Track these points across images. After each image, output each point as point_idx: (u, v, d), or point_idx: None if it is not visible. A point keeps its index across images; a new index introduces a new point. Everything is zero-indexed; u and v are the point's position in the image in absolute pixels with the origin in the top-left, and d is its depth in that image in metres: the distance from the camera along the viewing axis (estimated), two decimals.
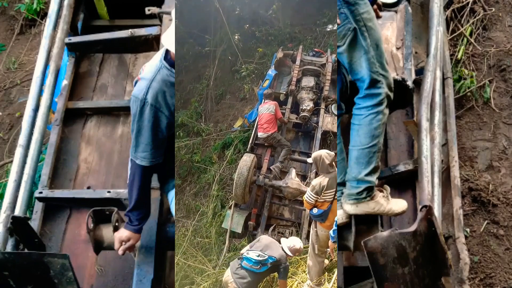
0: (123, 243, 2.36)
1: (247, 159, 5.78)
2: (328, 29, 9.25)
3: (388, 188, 2.46)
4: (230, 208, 6.13)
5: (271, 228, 5.86)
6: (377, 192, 2.38)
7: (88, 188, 3.10)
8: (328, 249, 4.28)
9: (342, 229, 2.43)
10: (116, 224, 2.40)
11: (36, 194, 2.88)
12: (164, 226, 2.61)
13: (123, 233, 2.35)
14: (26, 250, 2.54)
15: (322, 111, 6.60)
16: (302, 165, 6.50)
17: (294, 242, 4.36)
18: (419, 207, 2.09)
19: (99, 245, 2.44)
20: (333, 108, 6.76)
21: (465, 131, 4.42)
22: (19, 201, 2.68)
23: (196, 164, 8.12)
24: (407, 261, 1.97)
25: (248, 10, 10.23)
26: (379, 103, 2.29)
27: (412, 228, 1.97)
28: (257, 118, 6.64)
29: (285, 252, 4.26)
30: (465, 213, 4.00)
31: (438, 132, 2.63)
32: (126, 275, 2.85)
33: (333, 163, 4.28)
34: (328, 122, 6.47)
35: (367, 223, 2.40)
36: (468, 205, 4.08)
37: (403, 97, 2.61)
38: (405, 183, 2.95)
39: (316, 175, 4.68)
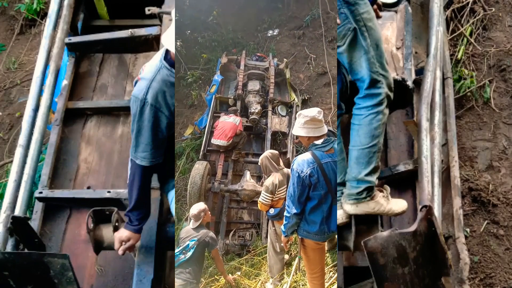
0: (123, 243, 2.36)
1: (199, 167, 5.71)
2: (269, 35, 9.52)
3: (388, 188, 2.47)
4: (186, 220, 5.81)
5: (231, 233, 5.86)
6: (377, 192, 2.38)
7: (88, 188, 3.10)
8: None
9: (342, 229, 2.43)
10: (116, 224, 2.40)
11: (36, 194, 2.88)
12: (164, 226, 2.61)
13: (123, 233, 2.35)
14: (26, 250, 2.54)
15: (269, 113, 6.87)
16: (256, 167, 6.57)
17: (192, 209, 4.37)
18: (419, 207, 2.09)
19: (99, 245, 2.44)
20: (280, 109, 7.07)
21: (465, 131, 4.42)
22: (19, 201, 2.68)
23: None
24: (407, 261, 1.97)
25: (188, 16, 10.06)
26: (379, 103, 2.30)
27: (412, 228, 1.98)
28: (212, 124, 6.67)
29: (191, 221, 4.31)
30: (465, 213, 4.00)
31: (438, 132, 2.63)
32: (126, 275, 2.85)
33: (279, 161, 4.36)
34: (276, 123, 6.76)
35: (367, 223, 2.40)
36: (468, 205, 4.08)
37: (403, 97, 2.61)
38: (405, 183, 2.95)
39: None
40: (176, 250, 4.12)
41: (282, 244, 4.23)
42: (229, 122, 6.39)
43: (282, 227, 3.27)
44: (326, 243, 3.42)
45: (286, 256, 4.79)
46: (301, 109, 7.13)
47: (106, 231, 2.42)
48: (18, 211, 2.64)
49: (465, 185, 4.12)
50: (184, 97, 8.94)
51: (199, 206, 4.42)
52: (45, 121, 2.97)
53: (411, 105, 3.14)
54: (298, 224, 3.16)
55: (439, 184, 2.50)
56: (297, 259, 4.10)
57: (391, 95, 2.34)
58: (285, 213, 3.20)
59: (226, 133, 6.30)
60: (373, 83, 2.28)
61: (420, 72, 2.93)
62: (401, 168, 2.91)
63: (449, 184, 3.00)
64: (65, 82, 3.45)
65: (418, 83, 2.82)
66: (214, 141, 6.40)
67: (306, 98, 7.69)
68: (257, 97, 6.98)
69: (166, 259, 2.81)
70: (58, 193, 2.91)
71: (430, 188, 2.35)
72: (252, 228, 6.03)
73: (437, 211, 2.37)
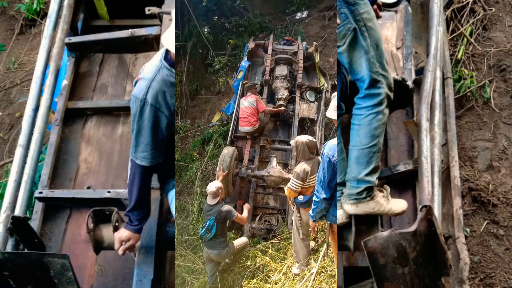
0: (123, 243, 2.36)
1: (227, 152, 5.79)
2: (297, 17, 9.24)
3: (388, 188, 2.46)
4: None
5: (258, 217, 5.93)
6: (377, 192, 2.38)
7: (88, 188, 3.10)
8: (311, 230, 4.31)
9: (342, 229, 2.43)
10: (116, 224, 2.40)
11: (36, 194, 2.88)
12: (164, 226, 2.61)
13: (123, 233, 2.35)
14: (26, 250, 2.54)
15: (297, 98, 6.69)
16: (282, 154, 6.56)
17: (210, 187, 4.70)
18: (419, 207, 2.09)
19: (99, 245, 2.44)
20: (308, 95, 6.84)
21: (465, 131, 4.41)
22: (19, 201, 2.68)
23: (177, 163, 7.97)
24: (407, 261, 1.97)
25: (215, 1, 9.99)
26: (379, 103, 2.29)
27: (412, 228, 1.98)
28: (239, 111, 6.60)
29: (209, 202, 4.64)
30: (465, 213, 4.00)
31: (438, 132, 2.63)
32: (126, 275, 2.85)
33: (314, 149, 4.31)
34: (304, 109, 6.60)
35: (367, 223, 2.40)
36: (468, 205, 4.08)
37: (403, 97, 2.61)
38: (405, 183, 2.95)
39: (297, 162, 4.68)
40: (201, 230, 4.75)
41: (308, 230, 4.31)
42: (249, 107, 6.32)
43: (311, 211, 3.25)
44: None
45: (312, 243, 4.81)
46: (330, 95, 6.90)
47: (106, 231, 2.42)
48: (18, 211, 2.64)
49: (465, 185, 4.12)
50: (212, 84, 8.96)
51: (216, 183, 4.72)
52: (45, 121, 2.97)
53: (411, 105, 3.14)
54: (327, 209, 3.15)
55: (439, 184, 2.50)
56: (325, 245, 4.20)
57: (391, 95, 2.34)
58: (314, 198, 3.18)
59: (249, 119, 6.26)
60: (373, 83, 2.28)
61: (420, 72, 2.93)
62: (401, 168, 2.91)
63: (449, 184, 3.00)
64: (65, 82, 3.45)
65: (418, 83, 2.82)
66: (241, 128, 6.40)
67: (336, 83, 7.63)
68: (285, 83, 6.79)
69: (166, 259, 2.81)
70: (58, 193, 2.91)
71: (430, 188, 2.35)
72: (278, 213, 6.04)
73: (437, 211, 2.37)
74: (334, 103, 3.00)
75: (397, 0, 2.81)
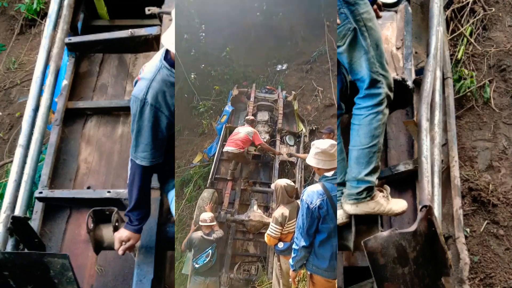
0: (123, 243, 2.36)
1: (206, 196, 5.63)
2: (278, 69, 10.08)
3: (388, 188, 2.46)
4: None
5: (236, 266, 5.67)
6: (377, 192, 2.38)
7: (88, 188, 3.10)
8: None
9: (342, 229, 2.43)
10: (116, 224, 2.40)
11: (36, 194, 2.88)
12: (164, 226, 2.61)
13: (123, 233, 2.35)
14: (26, 250, 2.54)
15: (278, 142, 6.97)
16: (263, 196, 6.48)
17: (202, 217, 4.84)
18: (419, 207, 2.09)
19: (99, 245, 2.44)
20: (288, 139, 7.15)
21: (465, 131, 4.41)
22: (19, 201, 2.68)
23: None
24: (407, 261, 1.97)
25: (203, 52, 10.57)
26: (379, 103, 2.29)
27: (412, 228, 1.98)
28: (231, 133, 6.67)
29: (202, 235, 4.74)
30: (465, 213, 4.00)
31: (438, 132, 2.63)
32: (126, 275, 2.85)
33: (293, 193, 4.18)
34: (284, 152, 6.83)
35: (367, 223, 2.40)
36: (468, 205, 4.08)
37: (403, 97, 2.61)
38: (405, 183, 2.96)
39: (276, 205, 4.50)
40: (199, 261, 4.80)
41: (289, 280, 4.00)
42: (243, 133, 6.33)
43: (290, 260, 3.15)
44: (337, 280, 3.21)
45: None
46: (308, 139, 7.28)
47: (106, 231, 2.42)
48: (18, 211, 2.64)
49: (465, 185, 4.12)
50: (195, 126, 9.13)
51: (209, 214, 4.87)
52: (45, 121, 2.97)
53: (411, 105, 3.14)
54: (307, 258, 3.06)
55: (439, 184, 2.50)
56: None
57: (391, 95, 2.34)
58: (294, 246, 3.10)
59: (238, 142, 6.22)
60: (373, 83, 2.28)
61: (420, 72, 2.93)
62: (401, 168, 2.91)
63: (449, 184, 3.00)
64: (65, 82, 3.45)
65: (418, 83, 2.82)
66: (226, 148, 6.32)
67: (314, 128, 7.90)
68: (266, 127, 7.18)
69: (166, 259, 2.81)
70: (58, 193, 2.91)
71: (430, 188, 2.34)
72: (257, 261, 5.79)
73: (437, 211, 2.37)
74: (313, 150, 2.99)
75: (397, 0, 2.81)
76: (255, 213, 5.50)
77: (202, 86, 9.75)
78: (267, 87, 8.59)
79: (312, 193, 2.91)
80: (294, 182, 6.11)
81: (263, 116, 7.37)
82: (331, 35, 9.24)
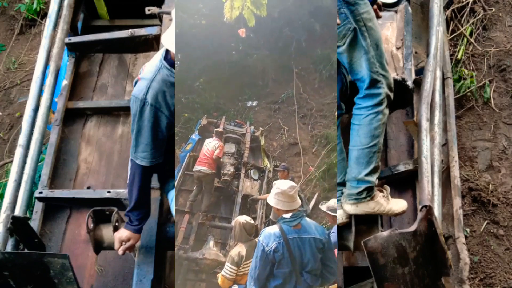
0: (123, 243, 2.36)
1: None
2: (248, 104, 10.29)
3: (388, 188, 2.46)
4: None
5: None
6: (377, 192, 2.38)
7: (88, 188, 3.10)
8: None
9: (342, 229, 2.43)
10: (116, 224, 2.40)
11: (36, 194, 2.88)
12: (164, 226, 2.61)
13: (123, 233, 2.35)
14: (26, 250, 2.54)
15: (242, 175, 6.79)
16: (221, 232, 6.14)
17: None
18: (419, 207, 2.09)
19: (99, 245, 2.44)
20: (252, 173, 7.01)
21: (465, 131, 4.41)
22: (19, 201, 2.68)
23: None
24: (407, 261, 1.97)
25: (177, 78, 10.92)
26: (379, 103, 2.30)
27: (412, 228, 1.97)
28: (201, 149, 6.56)
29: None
30: (465, 213, 3.99)
31: (438, 132, 2.63)
32: (126, 275, 2.85)
33: (252, 231, 3.92)
34: (247, 186, 6.65)
35: (367, 223, 2.40)
36: (468, 205, 4.07)
37: (403, 97, 2.61)
38: (405, 183, 2.96)
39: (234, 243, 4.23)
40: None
41: None
42: (211, 150, 6.23)
43: None
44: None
45: None
46: (272, 175, 7.12)
47: (106, 231, 2.42)
48: (18, 211, 2.63)
49: (465, 185, 4.11)
50: None
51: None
52: (45, 121, 2.97)
53: (411, 105, 3.14)
54: None
55: (439, 184, 2.50)
56: None
57: (391, 95, 2.34)
58: None
59: (210, 162, 6.11)
60: (373, 83, 2.28)
61: (420, 72, 2.93)
62: (401, 168, 2.91)
63: (449, 184, 3.00)
64: (65, 82, 3.45)
65: (418, 83, 2.82)
66: (198, 167, 6.13)
67: (278, 164, 7.99)
68: (232, 159, 6.97)
69: (166, 259, 2.80)
70: (58, 193, 2.91)
71: (430, 188, 2.34)
72: None
73: (437, 211, 2.37)
74: (273, 190, 2.89)
75: (397, 0, 2.81)
76: (210, 251, 5.09)
77: None
78: (237, 120, 8.61)
79: (269, 235, 2.76)
80: (255, 218, 5.87)
81: (230, 148, 7.20)
82: (299, 80, 9.67)
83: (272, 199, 2.88)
